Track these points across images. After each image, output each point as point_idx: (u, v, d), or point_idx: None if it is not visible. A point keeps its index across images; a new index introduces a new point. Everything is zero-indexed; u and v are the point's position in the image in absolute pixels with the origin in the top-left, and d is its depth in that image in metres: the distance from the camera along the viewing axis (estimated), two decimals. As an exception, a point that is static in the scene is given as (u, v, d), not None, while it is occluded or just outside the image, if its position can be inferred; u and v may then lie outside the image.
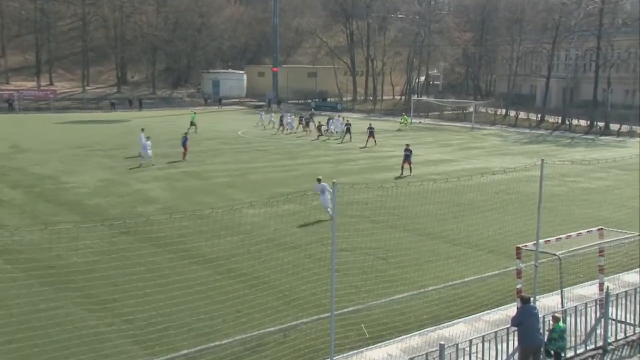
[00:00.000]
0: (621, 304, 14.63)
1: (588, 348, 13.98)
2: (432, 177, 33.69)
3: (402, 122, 67.77)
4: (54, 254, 19.89)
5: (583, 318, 14.00)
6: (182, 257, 19.71)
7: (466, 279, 18.42)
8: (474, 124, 70.15)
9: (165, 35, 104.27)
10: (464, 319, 15.67)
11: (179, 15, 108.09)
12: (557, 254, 14.62)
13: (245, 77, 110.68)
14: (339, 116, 62.51)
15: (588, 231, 16.16)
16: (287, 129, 60.01)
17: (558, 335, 12.78)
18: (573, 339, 13.67)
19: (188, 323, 14.89)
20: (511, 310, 15.27)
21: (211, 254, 19.75)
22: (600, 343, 14.12)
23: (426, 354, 12.09)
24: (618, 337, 14.43)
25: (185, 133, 43.78)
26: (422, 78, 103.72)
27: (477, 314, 15.93)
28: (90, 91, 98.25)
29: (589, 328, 14.14)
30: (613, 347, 14.18)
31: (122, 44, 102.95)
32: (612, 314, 14.29)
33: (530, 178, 24.43)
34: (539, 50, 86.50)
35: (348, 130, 53.86)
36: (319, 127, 55.74)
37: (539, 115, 74.07)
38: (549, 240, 15.30)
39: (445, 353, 11.71)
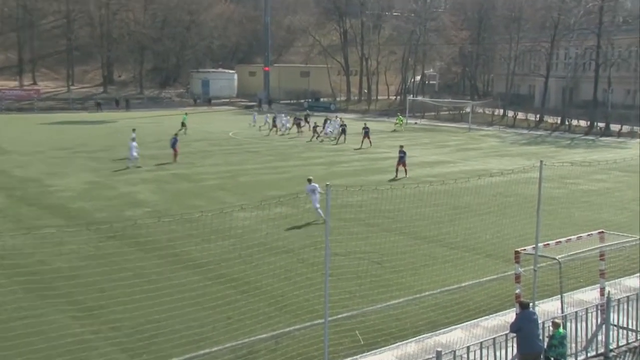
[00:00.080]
0: (623, 310, 14.65)
1: (589, 355, 13.99)
2: (428, 179, 33.75)
3: (397, 123, 67.91)
4: (37, 259, 19.80)
5: (584, 324, 14.02)
6: (171, 262, 19.66)
7: (463, 284, 18.45)
8: (471, 124, 70.31)
9: (153, 34, 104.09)
10: (461, 325, 15.68)
11: (167, 13, 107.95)
12: (557, 258, 14.65)
13: (235, 76, 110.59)
14: (336, 117, 62.33)
15: (588, 234, 16.20)
16: (281, 130, 60.04)
17: (558, 341, 12.79)
18: (573, 345, 13.68)
19: (177, 330, 14.85)
20: (510, 316, 15.29)
21: (201, 259, 19.71)
22: (601, 350, 14.13)
23: (423, 361, 12.09)
24: (620, 344, 14.45)
25: (175, 134, 43.73)
26: (418, 78, 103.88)
27: (475, 320, 15.94)
28: (75, 91, 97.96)
29: (589, 334, 14.16)
30: (615, 354, 14.20)
31: (108, 42, 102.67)
32: (613, 319, 14.31)
33: (528, 180, 24.50)
34: (538, 49, 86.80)
35: (343, 131, 53.92)
36: (314, 128, 55.70)
37: (538, 116, 74.32)
38: (548, 244, 15.34)
39: (442, 360, 11.72)
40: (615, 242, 16.19)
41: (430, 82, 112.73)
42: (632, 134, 62.38)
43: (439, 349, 11.85)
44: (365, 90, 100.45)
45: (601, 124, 67.13)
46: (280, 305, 16.48)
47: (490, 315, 16.25)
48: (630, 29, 79.29)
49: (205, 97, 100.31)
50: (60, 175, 35.75)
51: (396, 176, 36.20)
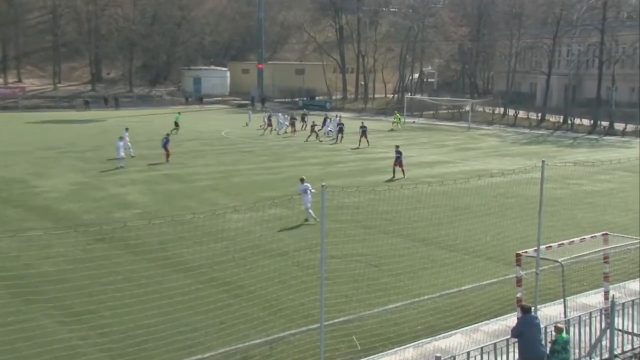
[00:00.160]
0: (628, 314, 14.67)
1: (593, 360, 14.04)
2: (426, 179, 33.77)
3: (394, 122, 68.00)
4: (23, 262, 19.78)
5: (587, 329, 14.04)
6: (161, 265, 19.63)
7: (463, 288, 18.46)
8: (470, 123, 70.40)
9: (143, 30, 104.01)
10: (461, 329, 15.69)
11: (157, 8, 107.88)
12: (560, 260, 14.66)
13: (228, 74, 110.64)
14: (336, 116, 62.05)
15: (592, 236, 16.21)
16: (276, 129, 60.06)
17: (561, 347, 12.79)
18: (577, 350, 13.70)
19: (168, 335, 14.82)
20: (511, 320, 15.30)
21: (193, 262, 19.68)
22: (605, 355, 14.15)
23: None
24: (625, 349, 14.47)
25: (167, 134, 43.71)
26: (416, 75, 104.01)
27: (475, 325, 15.96)
28: (62, 89, 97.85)
29: (593, 339, 14.17)
30: None
31: (96, 39, 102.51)
32: (618, 324, 14.33)
33: (530, 180, 24.50)
34: (539, 46, 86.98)
35: (340, 130, 53.98)
36: (312, 128, 55.66)
37: (539, 115, 74.42)
38: (550, 246, 15.35)
39: (442, 366, 11.73)
40: (620, 245, 16.20)
41: (429, 79, 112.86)
42: (636, 133, 62.36)
43: (439, 355, 11.86)
44: (362, 89, 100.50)
45: (605, 123, 67.26)
46: (274, 309, 16.46)
47: (491, 320, 16.27)
48: (634, 24, 79.23)
49: (196, 95, 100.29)
50: (47, 176, 35.69)
51: (394, 177, 36.24)
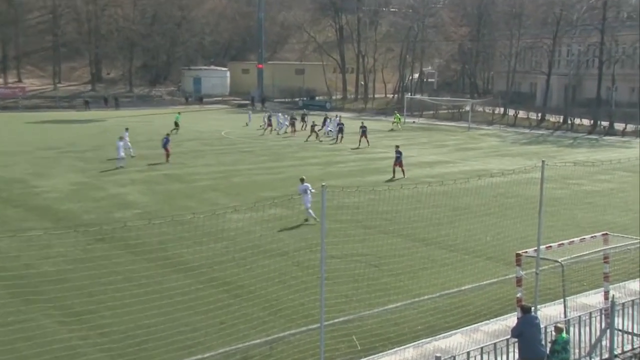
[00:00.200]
0: (628, 314, 14.67)
1: (593, 360, 14.04)
2: (426, 179, 33.76)
3: (394, 122, 68.00)
4: (23, 262, 19.78)
5: (587, 329, 14.04)
6: (161, 265, 19.63)
7: (463, 288, 18.47)
8: (470, 123, 70.39)
9: (143, 30, 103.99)
10: (461, 329, 15.69)
11: (157, 8, 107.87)
12: (560, 260, 14.67)
13: (228, 74, 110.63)
14: (336, 116, 61.91)
15: (592, 236, 16.21)
16: (276, 129, 60.03)
17: (561, 347, 12.79)
18: (577, 350, 13.70)
19: (168, 335, 14.81)
20: (511, 320, 15.30)
21: (193, 262, 19.68)
22: (605, 355, 14.15)
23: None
24: (625, 349, 14.48)
25: (167, 134, 43.70)
26: (416, 75, 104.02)
27: (475, 325, 15.96)
28: (62, 89, 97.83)
29: (593, 339, 14.17)
30: None
31: (96, 39, 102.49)
32: (618, 324, 14.33)
33: (530, 180, 24.49)
34: (539, 46, 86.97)
35: (340, 130, 54.00)
36: (312, 128, 55.62)
37: (539, 115, 74.42)
38: (550, 246, 15.35)
39: (442, 366, 11.73)
40: (620, 245, 16.20)
41: (429, 79, 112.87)
42: (636, 133, 62.32)
43: (439, 355, 11.87)
44: (362, 89, 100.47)
45: (605, 123, 67.25)
46: (274, 309, 16.46)
47: (491, 320, 16.27)
48: (634, 24, 79.17)
49: (196, 95, 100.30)
50: (47, 176, 35.69)
51: (393, 177, 36.25)
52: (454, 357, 12.29)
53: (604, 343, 14.28)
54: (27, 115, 74.45)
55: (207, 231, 21.74)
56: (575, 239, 15.97)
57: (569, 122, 70.36)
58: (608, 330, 14.20)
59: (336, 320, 15.69)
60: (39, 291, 17.14)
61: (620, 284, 18.08)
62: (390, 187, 31.96)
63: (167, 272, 18.99)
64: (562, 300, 15.54)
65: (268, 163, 41.74)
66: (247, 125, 65.83)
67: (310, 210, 25.34)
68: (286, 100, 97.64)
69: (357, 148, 49.48)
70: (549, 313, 16.19)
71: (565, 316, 14.94)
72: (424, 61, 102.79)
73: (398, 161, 36.75)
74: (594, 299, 17.27)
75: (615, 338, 14.18)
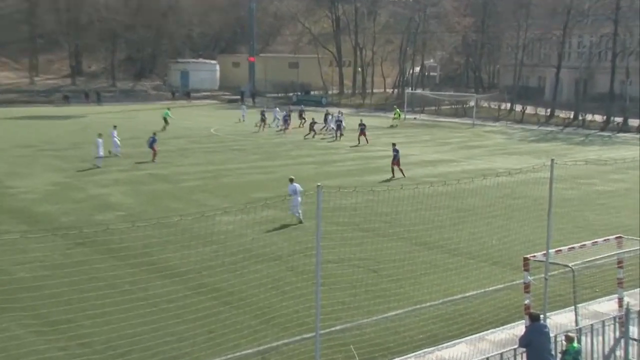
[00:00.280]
0: (643, 322, 14.70)
1: (606, 371, 14.04)
2: (428, 179, 33.78)
3: (394, 118, 68.07)
4: (-2, 268, 19.70)
5: (600, 338, 14.04)
6: (146, 270, 19.57)
7: (468, 294, 18.48)
8: (475, 120, 70.58)
9: (127, 20, 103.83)
10: (465, 338, 15.70)
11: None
12: (570, 265, 14.68)
13: (218, 67, 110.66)
14: (339, 112, 61.51)
15: (605, 240, 16.22)
16: (271, 125, 59.97)
17: (572, 357, 12.79)
18: (589, 361, 13.72)
19: (153, 346, 14.79)
20: (519, 328, 15.31)
21: (180, 267, 19.67)
22: (619, 365, 14.18)
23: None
24: None
25: (154, 133, 43.52)
26: (417, 69, 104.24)
27: (481, 333, 15.97)
28: (39, 83, 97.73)
29: (607, 349, 14.18)
30: (634, 370, 14.25)
31: (76, 30, 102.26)
32: (633, 333, 14.34)
33: (538, 180, 24.50)
34: (549, 37, 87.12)
35: (339, 127, 54.04)
36: (311, 125, 55.54)
37: (549, 110, 74.64)
38: (560, 250, 15.36)
39: (446, 378, 11.73)
40: (635, 249, 16.21)
41: (431, 73, 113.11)
42: (651, 130, 62.66)
43: (442, 366, 11.85)
44: (360, 83, 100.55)
45: (618, 119, 67.45)
46: (267, 317, 16.45)
47: (497, 328, 16.28)
48: (650, 14, 79.61)
49: (184, 89, 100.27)
50: (23, 176, 35.59)
51: (393, 176, 36.29)
52: (458, 368, 12.29)
53: (617, 353, 14.28)
54: (2, 111, 74.20)
55: (195, 234, 21.72)
56: (587, 243, 15.98)
57: (580, 118, 70.53)
58: (622, 340, 14.20)
59: (333, 329, 15.68)
60: (13, 299, 17.04)
61: (635, 290, 18.07)
62: (389, 187, 31.95)
63: (152, 278, 18.94)
64: (573, 307, 15.56)
65: (260, 162, 41.73)
66: (242, 121, 65.57)
67: (299, 211, 25.35)
68: (279, 95, 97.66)
69: (356, 146, 49.52)
70: (559, 321, 16.21)
71: (576, 324, 14.95)
72: (426, 54, 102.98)
73: (395, 160, 36.78)
74: (607, 306, 17.30)
75: (630, 348, 14.18)
